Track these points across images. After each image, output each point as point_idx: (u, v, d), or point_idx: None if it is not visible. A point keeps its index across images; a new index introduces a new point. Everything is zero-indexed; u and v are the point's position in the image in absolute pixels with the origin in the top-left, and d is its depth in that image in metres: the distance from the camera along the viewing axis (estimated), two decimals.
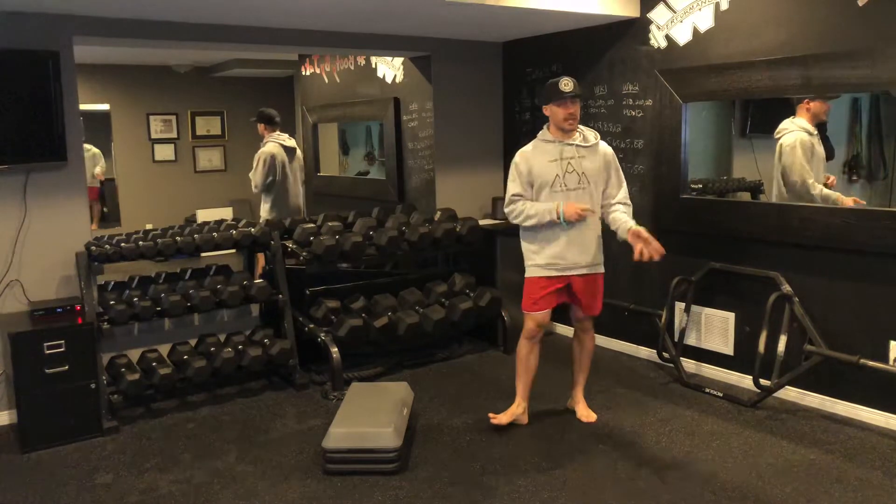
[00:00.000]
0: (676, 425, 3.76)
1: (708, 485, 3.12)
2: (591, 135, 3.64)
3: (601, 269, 3.74)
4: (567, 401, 3.98)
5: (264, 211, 5.98)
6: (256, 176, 5.83)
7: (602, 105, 4.97)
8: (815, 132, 4.19)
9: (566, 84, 3.48)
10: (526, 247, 3.70)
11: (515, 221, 3.67)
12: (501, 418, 3.73)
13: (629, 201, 3.70)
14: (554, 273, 3.62)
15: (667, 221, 4.58)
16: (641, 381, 4.44)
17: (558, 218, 3.51)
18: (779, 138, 4.25)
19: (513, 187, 3.64)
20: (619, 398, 4.16)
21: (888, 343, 3.62)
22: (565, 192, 3.55)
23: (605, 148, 3.65)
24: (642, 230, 3.51)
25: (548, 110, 3.58)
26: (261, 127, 5.99)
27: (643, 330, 4.80)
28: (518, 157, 3.65)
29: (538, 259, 3.64)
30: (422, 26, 4.89)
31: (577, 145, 3.57)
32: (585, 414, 3.85)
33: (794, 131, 4.17)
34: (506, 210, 3.70)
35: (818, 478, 3.16)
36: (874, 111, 4.67)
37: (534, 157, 3.60)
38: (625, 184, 3.70)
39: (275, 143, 5.90)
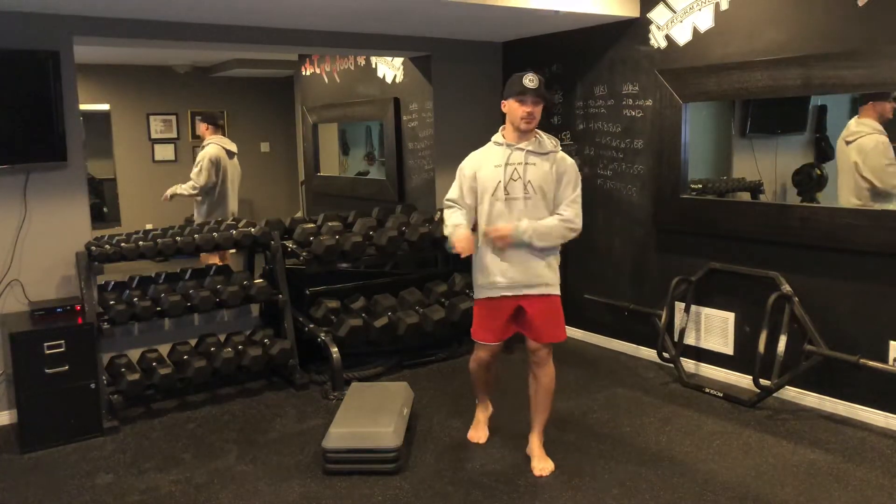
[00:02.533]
0: (676, 425, 3.76)
1: (708, 485, 3.12)
2: (550, 142, 3.20)
3: (553, 291, 3.23)
4: (527, 448, 3.43)
5: (200, 215, 5.99)
6: (201, 178, 5.86)
7: (602, 105, 4.98)
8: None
9: (531, 80, 3.06)
10: (473, 264, 3.33)
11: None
12: (479, 435, 3.59)
13: (568, 214, 3.15)
14: (492, 294, 3.22)
15: (667, 221, 4.58)
16: (641, 381, 4.44)
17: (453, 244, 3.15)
18: (851, 141, 4.04)
19: (451, 192, 3.29)
20: (619, 398, 4.16)
21: (888, 343, 3.62)
22: (506, 201, 3.14)
23: (565, 159, 3.20)
24: (494, 232, 3.13)
25: (506, 106, 3.15)
26: (203, 127, 6.06)
27: (643, 330, 4.80)
28: (466, 159, 3.29)
29: (480, 277, 3.26)
30: (422, 26, 4.89)
31: (528, 151, 3.14)
32: (540, 466, 3.26)
33: (870, 133, 3.96)
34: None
35: (818, 478, 3.16)
36: None
37: (482, 160, 3.22)
38: (578, 205, 3.18)
39: (216, 145, 5.95)
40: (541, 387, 3.30)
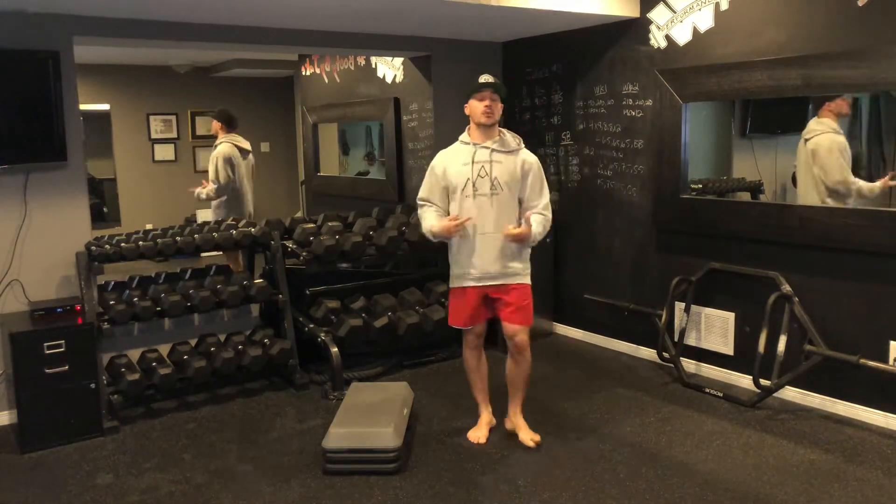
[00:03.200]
0: (676, 425, 3.76)
1: (708, 485, 3.12)
2: (513, 140, 3.44)
3: (524, 280, 3.46)
4: (507, 421, 3.67)
5: (218, 215, 5.79)
6: (221, 176, 5.71)
7: (602, 105, 4.98)
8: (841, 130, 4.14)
9: (486, 77, 3.36)
10: (449, 256, 3.57)
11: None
12: (479, 435, 3.62)
13: (548, 213, 3.46)
14: (467, 284, 3.45)
15: (667, 221, 4.58)
16: (641, 381, 4.44)
17: (434, 237, 3.46)
18: (808, 139, 4.16)
19: (422, 190, 3.52)
20: (619, 398, 4.16)
21: (888, 343, 3.62)
22: (474, 198, 3.36)
23: (528, 155, 3.45)
24: (513, 232, 3.34)
25: (468, 108, 3.40)
26: (217, 125, 5.91)
27: (643, 330, 4.80)
28: (436, 158, 3.52)
29: (454, 269, 3.50)
30: (422, 26, 4.89)
31: (493, 149, 3.37)
32: (528, 437, 3.54)
33: (827, 132, 4.08)
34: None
35: (818, 478, 3.16)
36: (874, 111, 4.67)
37: (450, 159, 3.45)
38: (546, 197, 3.47)
39: (229, 143, 5.84)
40: (520, 370, 3.55)
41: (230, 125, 5.94)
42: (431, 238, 3.52)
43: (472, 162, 3.37)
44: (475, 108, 3.36)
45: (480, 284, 3.43)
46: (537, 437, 3.54)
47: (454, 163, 3.43)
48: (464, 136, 3.47)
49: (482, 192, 3.36)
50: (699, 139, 4.72)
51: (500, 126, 3.48)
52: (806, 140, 4.20)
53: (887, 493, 3.02)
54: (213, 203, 5.91)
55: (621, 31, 4.75)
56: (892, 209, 3.67)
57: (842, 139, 4.10)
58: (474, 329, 3.56)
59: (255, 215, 5.93)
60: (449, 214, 3.46)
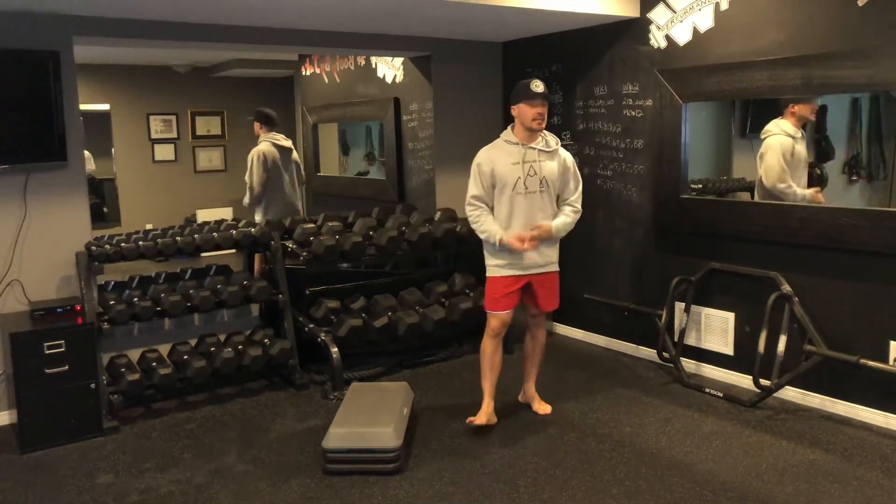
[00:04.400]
0: (676, 425, 3.76)
1: (708, 485, 3.12)
2: (553, 140, 3.68)
3: (556, 268, 3.80)
4: (521, 395, 4.03)
5: (259, 216, 5.72)
6: (254, 176, 5.62)
7: (602, 105, 4.98)
8: (799, 135, 4.21)
9: (537, 85, 3.53)
10: (486, 247, 3.74)
11: (472, 227, 3.72)
12: (480, 419, 3.72)
13: (578, 206, 3.74)
14: (514, 272, 3.66)
15: (667, 221, 4.58)
16: (641, 381, 4.44)
17: (495, 244, 3.61)
18: (764, 138, 4.28)
19: (473, 188, 3.67)
20: (619, 398, 4.16)
21: (888, 343, 3.62)
22: (525, 195, 3.59)
23: (565, 154, 3.71)
24: (527, 234, 3.58)
25: (516, 110, 3.60)
26: (257, 126, 5.86)
27: (643, 330, 4.80)
28: (481, 156, 3.67)
29: (497, 259, 3.68)
30: (422, 26, 4.89)
31: (540, 149, 3.62)
32: (542, 407, 3.92)
33: (776, 134, 4.21)
34: (466, 211, 3.70)
35: (818, 478, 3.16)
36: (874, 111, 4.68)
37: (497, 158, 3.63)
38: (580, 189, 3.75)
39: (267, 141, 5.74)
40: (537, 343, 3.92)
41: (269, 123, 5.81)
42: (492, 241, 3.62)
43: (523, 161, 3.59)
44: (526, 113, 3.55)
45: (526, 273, 3.67)
46: (549, 408, 3.91)
47: (501, 161, 3.61)
48: (509, 136, 3.66)
49: (532, 189, 3.60)
50: (699, 139, 4.72)
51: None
52: (761, 139, 4.29)
53: (887, 493, 3.02)
54: (255, 202, 5.75)
55: (621, 31, 4.75)
56: (892, 209, 3.67)
57: (790, 143, 4.17)
58: (505, 316, 3.71)
59: (303, 212, 5.70)
60: (493, 211, 3.66)
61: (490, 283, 3.73)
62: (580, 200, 3.75)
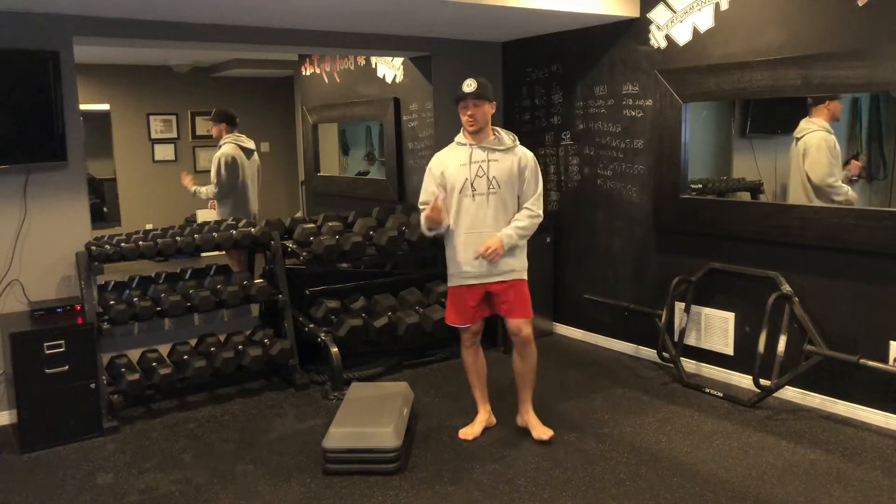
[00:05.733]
0: (676, 425, 3.76)
1: (708, 485, 3.12)
2: (508, 137, 3.49)
3: (521, 276, 3.52)
4: (518, 418, 3.73)
5: (222, 216, 5.59)
6: (221, 179, 5.51)
7: (602, 105, 4.98)
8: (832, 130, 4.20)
9: (469, 84, 3.35)
10: (446, 255, 3.60)
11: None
12: (474, 430, 3.65)
13: (536, 209, 3.47)
14: (468, 282, 3.49)
15: (667, 221, 4.58)
16: (641, 381, 4.44)
17: (429, 230, 3.48)
18: (799, 138, 4.21)
19: (422, 194, 3.55)
20: (619, 398, 4.16)
21: (888, 343, 3.62)
22: (473, 197, 3.42)
23: (524, 151, 3.49)
24: (488, 246, 3.38)
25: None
26: (219, 128, 5.67)
27: (643, 330, 4.80)
28: (433, 160, 3.56)
29: (452, 267, 3.55)
30: (422, 26, 4.89)
31: (490, 148, 3.43)
32: (542, 432, 3.57)
33: (816, 131, 4.14)
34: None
35: (818, 478, 3.16)
36: (874, 111, 4.67)
37: (448, 160, 3.49)
38: (540, 192, 3.49)
39: (232, 143, 5.62)
40: (526, 363, 3.60)
41: (231, 123, 5.70)
42: (427, 234, 3.55)
43: (470, 162, 3.43)
44: (460, 115, 3.43)
45: (479, 282, 3.48)
46: (550, 432, 3.58)
47: (451, 164, 3.48)
48: (459, 137, 3.52)
49: (480, 191, 3.42)
50: (699, 139, 4.72)
51: (500, 126, 3.49)
52: (797, 139, 4.23)
53: (887, 493, 3.02)
54: (217, 203, 5.74)
55: (621, 31, 4.75)
56: (892, 209, 3.67)
57: (832, 138, 4.14)
58: (471, 328, 3.60)
59: (258, 216, 5.82)
60: (449, 215, 3.48)
61: (448, 294, 3.62)
62: (540, 203, 3.48)
